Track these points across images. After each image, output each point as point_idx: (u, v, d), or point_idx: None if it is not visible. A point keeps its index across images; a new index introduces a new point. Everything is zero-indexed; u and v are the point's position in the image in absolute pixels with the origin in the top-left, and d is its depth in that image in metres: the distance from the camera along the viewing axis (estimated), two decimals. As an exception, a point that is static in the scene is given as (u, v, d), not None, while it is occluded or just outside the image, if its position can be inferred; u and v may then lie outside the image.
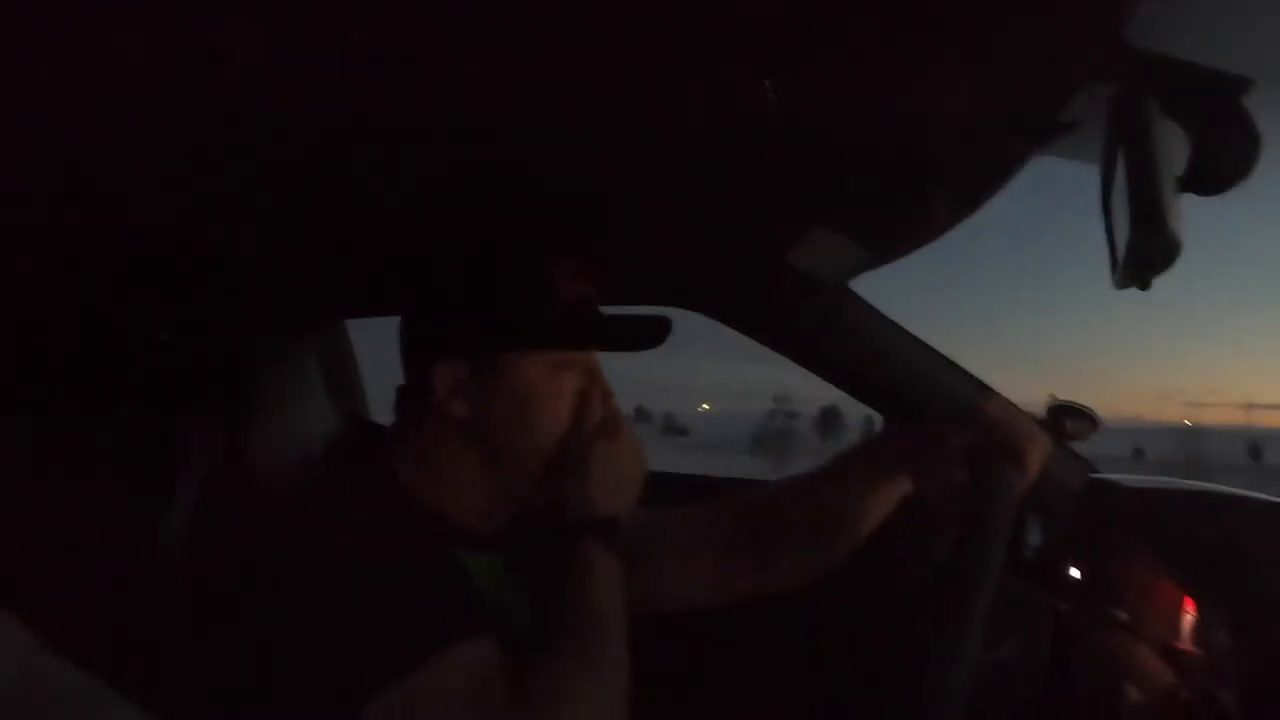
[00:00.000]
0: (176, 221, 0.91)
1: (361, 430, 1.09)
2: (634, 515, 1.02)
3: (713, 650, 1.35)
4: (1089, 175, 0.69)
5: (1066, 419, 1.12)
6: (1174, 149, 0.57)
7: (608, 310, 0.88)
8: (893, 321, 1.31)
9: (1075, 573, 1.12)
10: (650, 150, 0.79)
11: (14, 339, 1.11)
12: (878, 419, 1.42)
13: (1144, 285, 0.64)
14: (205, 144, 0.72)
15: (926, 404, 1.28)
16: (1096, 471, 1.24)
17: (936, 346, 1.32)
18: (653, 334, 0.89)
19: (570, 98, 0.66)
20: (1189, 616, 0.94)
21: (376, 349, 1.40)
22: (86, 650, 0.63)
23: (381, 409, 1.27)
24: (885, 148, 0.79)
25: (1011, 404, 0.94)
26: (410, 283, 0.88)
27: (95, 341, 1.19)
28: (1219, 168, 0.56)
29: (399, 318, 0.90)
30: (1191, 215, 0.57)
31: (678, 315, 1.37)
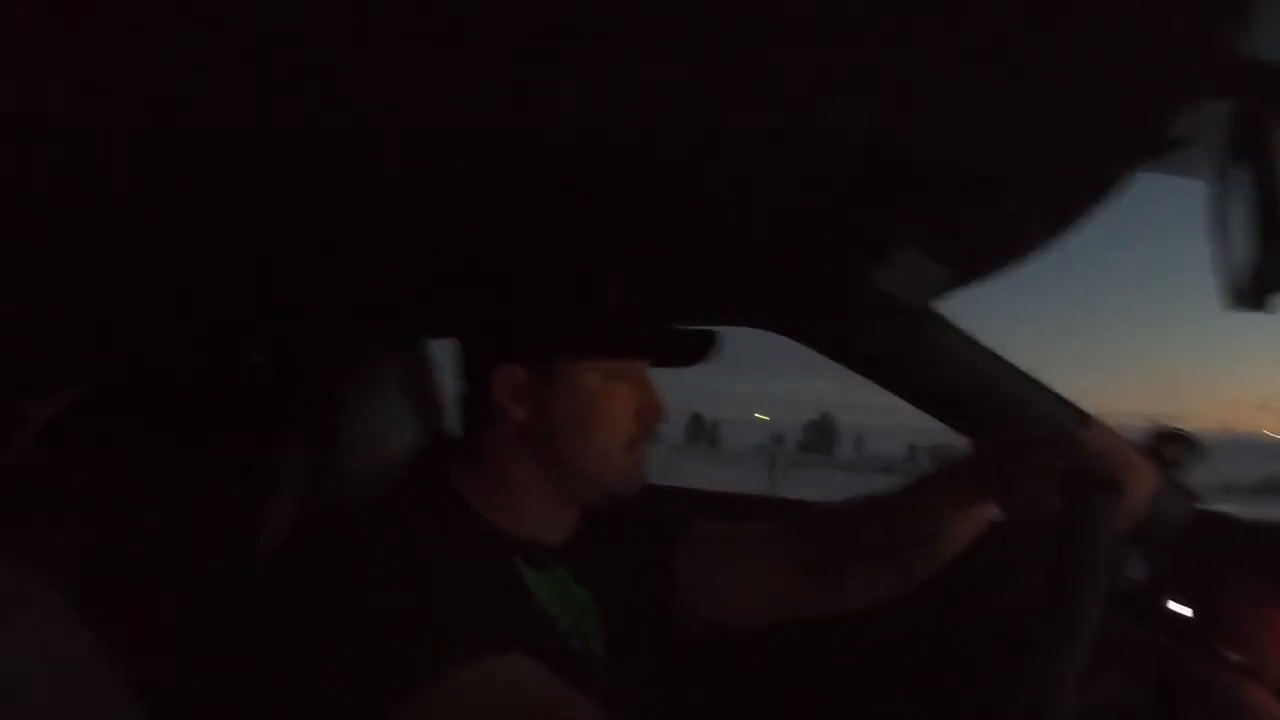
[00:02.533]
0: (272, 249, 0.95)
1: (436, 444, 1.12)
2: (703, 529, 1.03)
3: (778, 673, 1.32)
4: (1186, 189, 0.66)
5: (1167, 445, 1.07)
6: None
7: (673, 327, 0.92)
8: (981, 343, 1.27)
9: (1184, 610, 1.06)
10: (726, 167, 0.79)
11: (124, 356, 1.17)
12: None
13: (1261, 306, 0.60)
14: (295, 175, 0.75)
15: (1017, 429, 1.24)
16: (1201, 501, 1.18)
17: (1024, 366, 1.27)
18: (698, 350, 0.91)
19: (639, 114, 0.66)
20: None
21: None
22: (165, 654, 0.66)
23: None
24: (973, 164, 0.77)
25: (1112, 431, 0.90)
26: (472, 291, 0.92)
27: (199, 362, 1.25)
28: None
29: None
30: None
31: (758, 335, 1.37)
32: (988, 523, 0.94)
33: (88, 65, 0.52)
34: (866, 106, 0.64)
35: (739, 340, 1.03)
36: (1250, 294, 0.59)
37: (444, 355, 1.58)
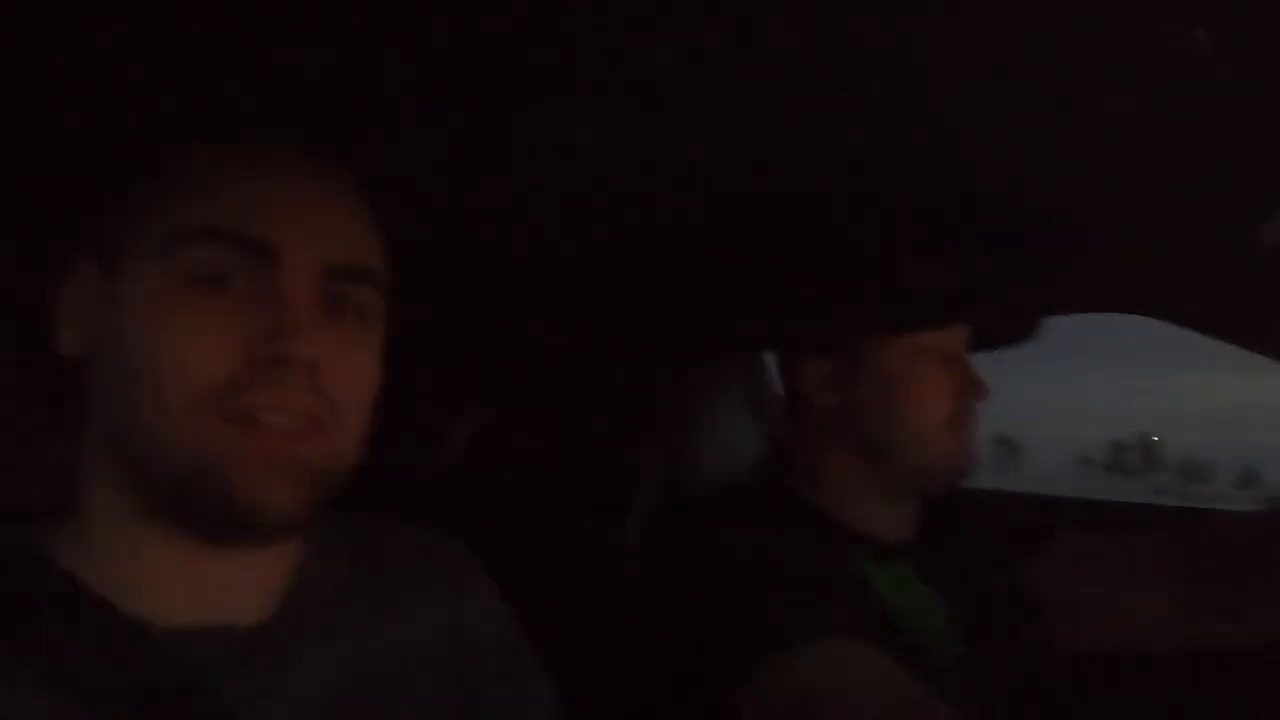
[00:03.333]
0: (638, 272, 1.07)
1: (774, 449, 1.17)
2: (1067, 541, 0.94)
3: (1161, 702, 1.14)
4: None
5: None
6: None
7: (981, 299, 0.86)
8: None
9: None
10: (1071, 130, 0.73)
11: (527, 374, 1.40)
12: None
13: None
14: (661, 197, 0.84)
15: None
16: None
17: None
18: (1015, 326, 0.87)
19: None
20: None
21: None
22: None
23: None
24: None
25: None
26: (772, 288, 0.94)
27: (573, 374, 1.45)
28: None
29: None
30: None
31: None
32: None
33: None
34: (1227, 41, 0.57)
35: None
36: None
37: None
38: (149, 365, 0.50)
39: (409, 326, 0.61)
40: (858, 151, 0.76)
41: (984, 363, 0.94)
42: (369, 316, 0.57)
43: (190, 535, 0.53)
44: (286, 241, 0.52)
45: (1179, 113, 0.69)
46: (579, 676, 0.74)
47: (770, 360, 1.56)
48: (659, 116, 0.66)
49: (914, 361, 0.87)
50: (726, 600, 0.79)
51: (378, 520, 0.66)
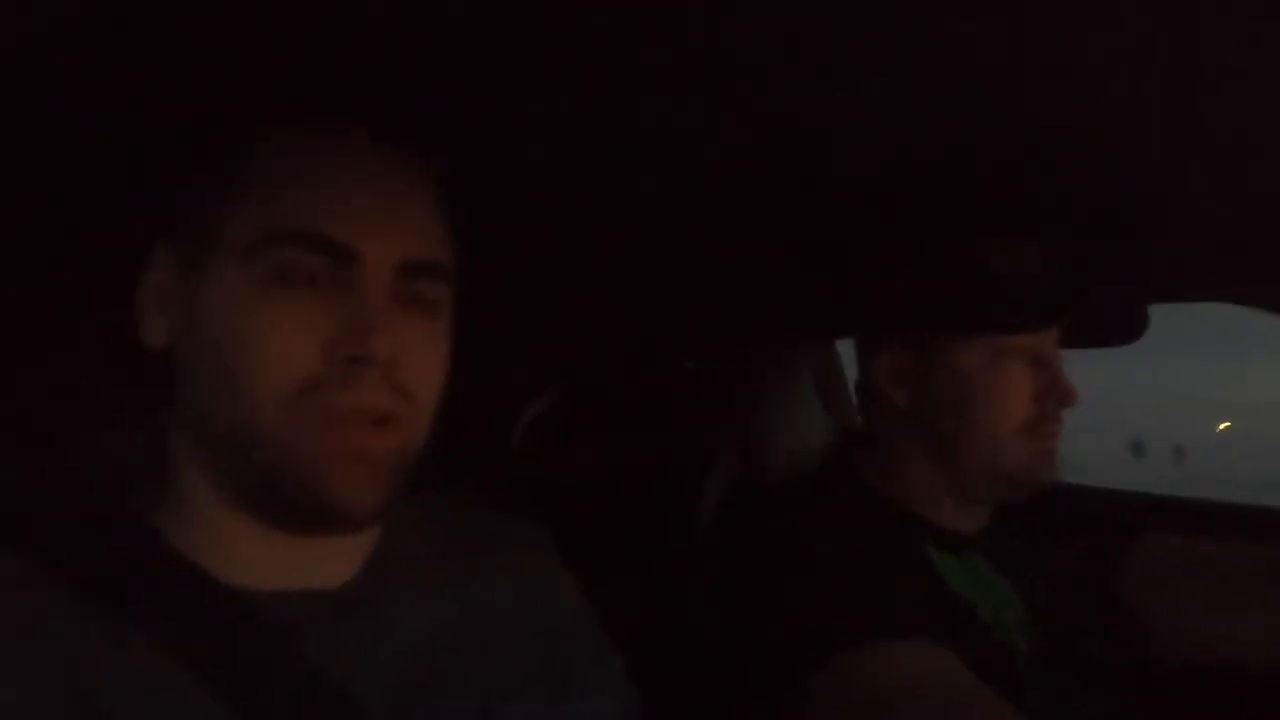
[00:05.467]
0: (704, 262, 1.06)
1: (845, 436, 1.15)
2: (1158, 544, 0.90)
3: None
4: None
5: None
6: None
7: (1082, 298, 0.81)
8: None
9: None
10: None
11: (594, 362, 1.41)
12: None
13: None
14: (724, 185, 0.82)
15: None
16: None
17: None
18: (1120, 327, 0.80)
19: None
20: None
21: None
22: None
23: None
24: None
25: None
26: (853, 275, 0.91)
27: (640, 370, 1.46)
28: None
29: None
30: None
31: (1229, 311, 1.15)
32: None
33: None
34: None
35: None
36: None
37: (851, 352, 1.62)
38: (234, 364, 0.52)
39: (484, 313, 0.62)
40: (939, 132, 0.73)
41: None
42: (441, 308, 0.58)
43: (275, 521, 0.55)
44: (364, 241, 0.53)
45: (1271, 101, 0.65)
46: (650, 661, 0.74)
47: (844, 348, 1.54)
48: (730, 97, 0.65)
49: (995, 361, 0.82)
50: (798, 593, 0.78)
51: (458, 500, 0.68)
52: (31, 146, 0.65)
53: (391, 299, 0.54)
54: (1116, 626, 0.89)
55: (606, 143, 0.73)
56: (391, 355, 0.52)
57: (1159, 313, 0.89)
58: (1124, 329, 0.83)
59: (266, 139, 0.57)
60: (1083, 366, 0.85)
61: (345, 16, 0.54)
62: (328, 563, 0.57)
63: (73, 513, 0.54)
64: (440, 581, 0.61)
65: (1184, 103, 0.67)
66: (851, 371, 1.52)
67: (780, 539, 0.84)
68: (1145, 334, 0.83)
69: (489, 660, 0.60)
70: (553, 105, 0.66)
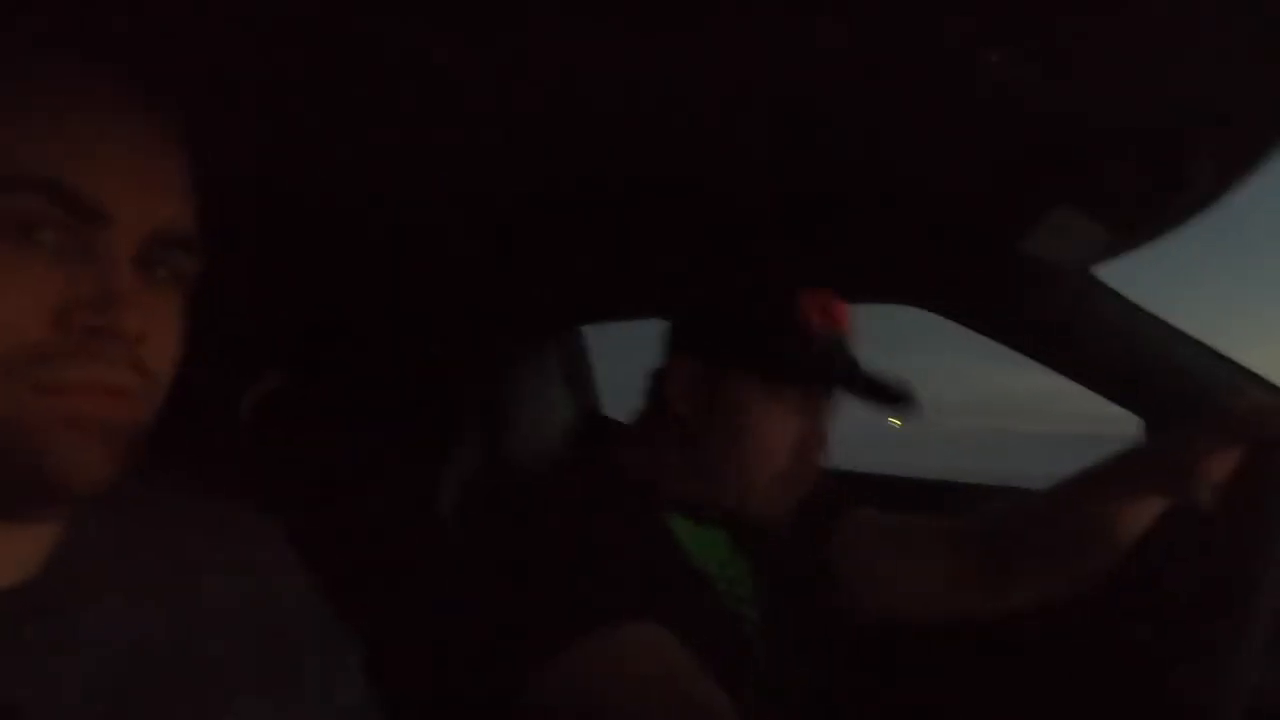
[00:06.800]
0: (458, 250, 1.04)
1: (593, 420, 1.18)
2: (867, 518, 1.02)
3: (949, 666, 1.29)
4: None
5: None
6: None
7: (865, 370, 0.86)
8: (1146, 310, 1.20)
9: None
10: (874, 136, 0.79)
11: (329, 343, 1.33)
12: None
13: None
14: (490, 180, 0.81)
15: (1193, 405, 1.16)
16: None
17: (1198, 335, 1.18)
18: (891, 399, 0.86)
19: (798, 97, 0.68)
20: None
21: (611, 350, 1.51)
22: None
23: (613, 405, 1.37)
24: (1138, 127, 0.74)
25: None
26: (676, 281, 0.93)
27: (387, 353, 1.40)
28: None
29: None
30: None
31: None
32: (1162, 510, 0.89)
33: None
34: (1020, 64, 0.63)
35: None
36: None
37: (599, 342, 1.67)
38: None
39: (217, 288, 0.56)
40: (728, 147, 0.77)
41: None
42: (186, 283, 0.53)
43: None
44: (117, 202, 0.47)
45: (966, 122, 0.77)
46: (390, 645, 0.72)
47: (588, 336, 1.58)
48: (490, 82, 0.64)
49: (773, 400, 0.84)
50: (536, 578, 0.78)
51: (176, 486, 0.61)
52: None
53: (139, 269, 0.48)
54: (826, 590, 1.00)
55: (352, 118, 0.69)
56: (140, 332, 0.47)
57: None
58: (895, 403, 0.88)
59: (5, 75, 0.48)
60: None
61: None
62: (5, 554, 0.49)
63: None
64: (148, 579, 0.55)
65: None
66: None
67: (514, 529, 0.84)
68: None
69: (207, 666, 0.54)
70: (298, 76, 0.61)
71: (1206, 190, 0.85)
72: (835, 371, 0.85)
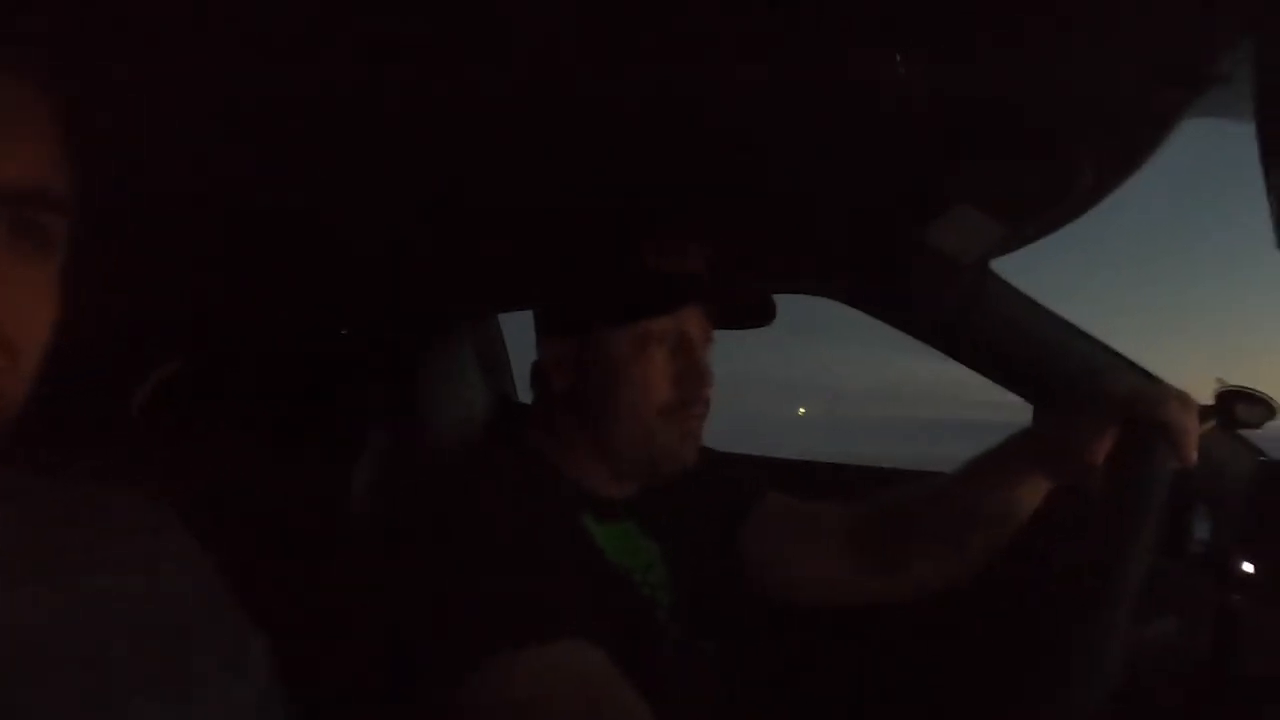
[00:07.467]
0: (361, 232, 1.01)
1: (508, 407, 1.17)
2: (777, 504, 1.04)
3: (847, 648, 1.33)
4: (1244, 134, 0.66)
5: (1238, 405, 1.05)
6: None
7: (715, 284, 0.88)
8: (1038, 303, 1.27)
9: (1248, 566, 1.05)
10: (775, 131, 0.81)
11: (226, 332, 1.27)
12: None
13: None
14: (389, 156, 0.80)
15: (1076, 389, 1.23)
16: (1265, 456, 1.16)
17: (1082, 324, 1.25)
18: (750, 311, 0.88)
19: (703, 86, 0.69)
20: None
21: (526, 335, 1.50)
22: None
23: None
24: (1026, 112, 0.77)
25: (1158, 380, 0.90)
26: (534, 266, 0.93)
27: (293, 337, 1.35)
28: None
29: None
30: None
31: (815, 304, 1.37)
32: (1046, 493, 0.94)
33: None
34: (916, 59, 0.66)
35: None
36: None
37: (514, 327, 1.66)
38: None
39: (113, 276, 0.54)
40: (603, 137, 0.78)
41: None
42: (51, 245, 0.49)
43: None
44: None
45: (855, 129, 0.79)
46: (300, 638, 0.71)
47: (502, 321, 1.56)
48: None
49: (641, 348, 0.85)
50: (460, 578, 0.75)
51: (67, 473, 0.58)
52: None
53: None
54: (734, 575, 1.02)
55: (252, 103, 0.67)
56: None
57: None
58: (759, 314, 0.92)
59: None
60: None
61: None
62: None
63: None
64: (36, 570, 0.53)
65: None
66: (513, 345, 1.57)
67: (432, 523, 0.82)
68: (772, 317, 0.93)
69: (99, 660, 0.52)
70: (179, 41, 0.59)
71: (1092, 188, 0.90)
72: (675, 294, 0.86)
